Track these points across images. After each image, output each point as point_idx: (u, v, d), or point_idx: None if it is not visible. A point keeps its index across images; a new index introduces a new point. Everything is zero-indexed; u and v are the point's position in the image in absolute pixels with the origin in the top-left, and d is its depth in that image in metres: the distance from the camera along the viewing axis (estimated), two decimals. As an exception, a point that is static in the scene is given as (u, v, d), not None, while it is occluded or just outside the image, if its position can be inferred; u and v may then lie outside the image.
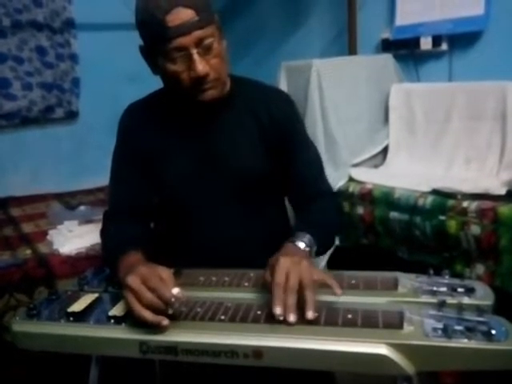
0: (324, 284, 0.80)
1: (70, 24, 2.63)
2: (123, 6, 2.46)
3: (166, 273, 0.82)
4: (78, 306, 0.86)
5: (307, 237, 0.93)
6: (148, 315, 0.77)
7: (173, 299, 0.77)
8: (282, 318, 0.76)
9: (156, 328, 0.77)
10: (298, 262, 0.81)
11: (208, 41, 0.96)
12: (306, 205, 1.09)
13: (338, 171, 1.85)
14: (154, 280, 0.79)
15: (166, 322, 0.77)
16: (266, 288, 0.85)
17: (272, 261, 0.85)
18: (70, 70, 2.67)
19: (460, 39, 1.92)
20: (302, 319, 0.76)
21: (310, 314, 0.75)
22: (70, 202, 2.43)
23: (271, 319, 0.77)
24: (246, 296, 0.87)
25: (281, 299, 0.77)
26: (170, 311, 0.78)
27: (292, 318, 0.75)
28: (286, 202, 1.24)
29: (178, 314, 0.80)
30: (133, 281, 0.79)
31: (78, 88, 2.72)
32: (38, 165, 2.68)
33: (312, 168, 1.15)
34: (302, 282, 0.78)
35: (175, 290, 0.78)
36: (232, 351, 0.74)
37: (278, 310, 0.76)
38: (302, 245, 0.91)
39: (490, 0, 1.79)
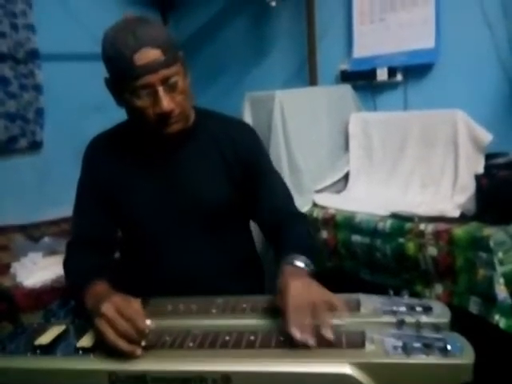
0: (332, 306, 0.80)
1: (34, 55, 2.61)
2: (88, 37, 2.49)
3: (137, 303, 0.83)
4: (45, 339, 0.85)
5: (302, 257, 0.94)
6: (123, 344, 0.77)
7: (147, 330, 0.78)
8: (301, 342, 0.75)
9: (128, 358, 0.78)
10: (308, 284, 0.83)
11: (173, 79, 0.99)
12: (282, 229, 1.09)
13: (303, 197, 1.89)
14: (128, 309, 0.80)
15: (139, 351, 0.78)
16: (235, 314, 0.86)
17: (281, 285, 0.85)
18: (33, 100, 2.64)
19: (413, 70, 2.03)
20: (268, 343, 0.78)
21: (328, 334, 0.75)
22: (33, 233, 2.37)
23: (239, 344, 0.78)
24: (213, 323, 0.88)
25: (297, 323, 0.76)
26: (144, 343, 0.79)
27: (311, 341, 0.75)
28: (253, 229, 1.26)
29: (150, 345, 0.80)
30: (107, 309, 0.80)
31: (42, 118, 2.68)
32: (-1, 196, 2.62)
33: (280, 194, 1.17)
34: (314, 304, 0.78)
35: (148, 321, 0.79)
36: (201, 378, 0.74)
37: (297, 334, 0.75)
38: (301, 264, 0.92)
39: (439, 34, 1.92)
